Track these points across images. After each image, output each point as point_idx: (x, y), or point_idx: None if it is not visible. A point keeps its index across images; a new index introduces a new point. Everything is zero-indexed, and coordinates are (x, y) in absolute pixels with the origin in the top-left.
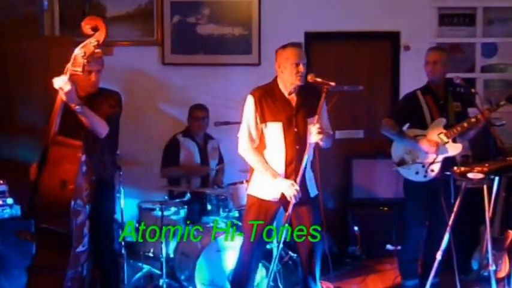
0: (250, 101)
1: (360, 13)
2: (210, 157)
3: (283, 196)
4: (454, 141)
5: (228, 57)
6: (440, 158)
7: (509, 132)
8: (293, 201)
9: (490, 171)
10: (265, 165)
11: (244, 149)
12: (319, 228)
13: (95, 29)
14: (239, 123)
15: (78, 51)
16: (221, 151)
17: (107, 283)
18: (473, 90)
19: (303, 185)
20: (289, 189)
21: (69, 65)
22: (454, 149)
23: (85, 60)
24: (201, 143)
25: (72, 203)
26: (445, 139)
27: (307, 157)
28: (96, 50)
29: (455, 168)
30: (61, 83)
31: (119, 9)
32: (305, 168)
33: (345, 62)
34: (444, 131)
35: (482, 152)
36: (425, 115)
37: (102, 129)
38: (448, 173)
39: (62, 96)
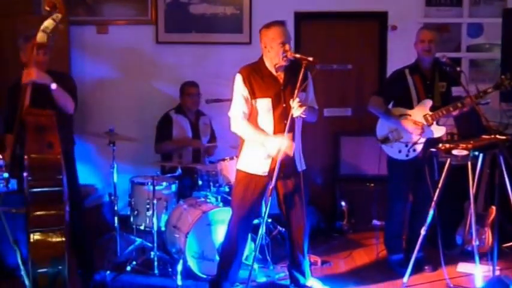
0: (239, 78)
1: None
2: (202, 133)
3: (271, 171)
4: (438, 123)
5: (220, 36)
6: (424, 139)
7: (493, 111)
8: (290, 154)
9: (474, 148)
10: (260, 131)
11: (237, 125)
12: (307, 203)
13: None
14: (230, 100)
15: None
16: (213, 127)
17: (82, 253)
18: (458, 68)
19: (291, 159)
20: (286, 146)
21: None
22: (438, 131)
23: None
24: (193, 120)
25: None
26: (430, 121)
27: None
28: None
29: (440, 145)
30: (27, 73)
31: None
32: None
33: (334, 42)
34: (430, 112)
35: (467, 129)
36: (412, 94)
37: (71, 104)
38: (433, 149)
39: (34, 79)
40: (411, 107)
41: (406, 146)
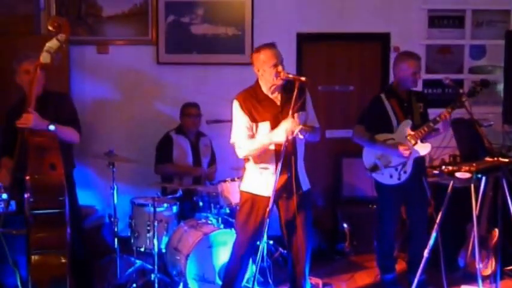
0: (236, 105)
1: (351, 15)
2: (202, 154)
3: (277, 191)
4: (422, 141)
5: (221, 57)
6: (411, 159)
7: (496, 133)
8: (300, 136)
9: (477, 170)
10: (264, 137)
11: (242, 148)
12: (310, 225)
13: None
14: (230, 121)
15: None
16: (213, 149)
17: (82, 275)
18: (461, 90)
19: (296, 178)
20: (293, 126)
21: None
22: (424, 149)
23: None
24: (193, 140)
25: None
26: (414, 141)
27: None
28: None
29: (443, 167)
30: (25, 119)
31: (114, 8)
32: (296, 162)
33: (336, 63)
34: (412, 132)
35: (469, 152)
36: (391, 118)
37: (75, 136)
38: (436, 172)
39: (30, 127)
40: (391, 131)
41: (396, 169)
